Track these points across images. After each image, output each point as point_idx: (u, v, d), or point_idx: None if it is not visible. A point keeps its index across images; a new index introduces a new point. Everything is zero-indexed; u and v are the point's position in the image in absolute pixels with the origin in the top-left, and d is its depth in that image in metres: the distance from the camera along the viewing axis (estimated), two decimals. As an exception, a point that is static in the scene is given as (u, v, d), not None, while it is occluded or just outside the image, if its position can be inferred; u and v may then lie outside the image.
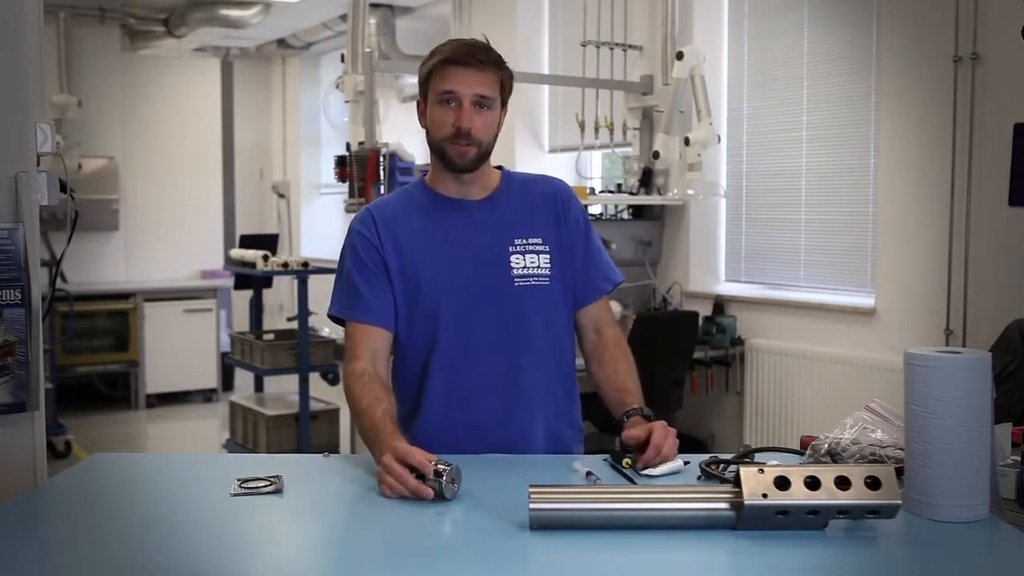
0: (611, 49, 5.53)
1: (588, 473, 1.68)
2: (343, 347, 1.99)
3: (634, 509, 1.44)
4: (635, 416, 1.87)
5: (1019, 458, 1.82)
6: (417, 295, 1.94)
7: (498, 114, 1.94)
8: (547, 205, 2.02)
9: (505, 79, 1.93)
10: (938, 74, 4.07)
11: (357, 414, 1.83)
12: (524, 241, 1.97)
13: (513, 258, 1.96)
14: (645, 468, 1.72)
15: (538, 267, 1.97)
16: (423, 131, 1.98)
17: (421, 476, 1.55)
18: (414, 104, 2.01)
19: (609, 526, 1.42)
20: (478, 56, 1.88)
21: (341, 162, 4.81)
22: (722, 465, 1.70)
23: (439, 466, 1.55)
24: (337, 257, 2.04)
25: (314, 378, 5.11)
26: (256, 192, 9.88)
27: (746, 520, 1.38)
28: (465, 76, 1.87)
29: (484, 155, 1.94)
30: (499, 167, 2.07)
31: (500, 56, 1.93)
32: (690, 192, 4.95)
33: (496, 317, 1.94)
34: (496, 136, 1.96)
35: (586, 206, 5.06)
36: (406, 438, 1.71)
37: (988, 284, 3.96)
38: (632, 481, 1.68)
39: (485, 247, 1.96)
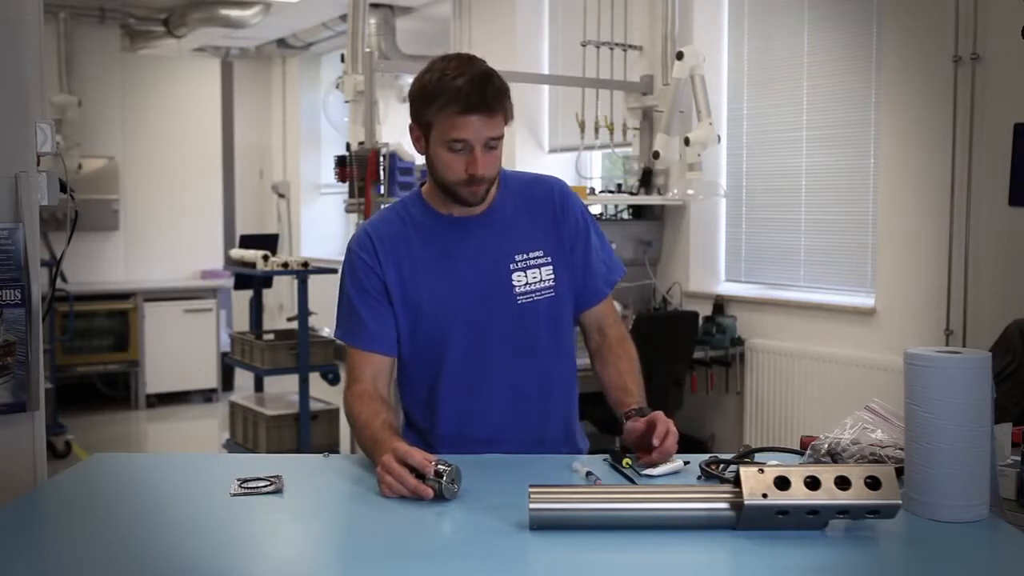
0: (611, 49, 5.53)
1: (588, 473, 1.68)
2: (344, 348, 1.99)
3: (634, 509, 1.43)
4: (634, 417, 1.87)
5: (1019, 458, 1.82)
6: (420, 318, 1.93)
7: (502, 144, 1.89)
8: (545, 209, 2.00)
9: (509, 108, 1.86)
10: (938, 74, 4.07)
11: (357, 428, 1.83)
12: (525, 256, 1.95)
13: (515, 276, 1.94)
14: (647, 467, 1.72)
15: (540, 280, 1.95)
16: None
17: (421, 476, 1.55)
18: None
19: (609, 526, 1.42)
20: (488, 102, 1.79)
21: (341, 162, 4.81)
22: (722, 465, 1.70)
23: (439, 466, 1.55)
24: (336, 258, 2.03)
25: (314, 378, 5.11)
26: (256, 192, 9.89)
27: (746, 520, 1.38)
28: (475, 124, 1.79)
29: (491, 186, 1.92)
30: None
31: (503, 85, 1.84)
32: (690, 192, 4.95)
33: (501, 336, 1.93)
34: (500, 163, 1.92)
35: (586, 206, 5.11)
36: (419, 447, 1.70)
37: (988, 284, 3.96)
38: (632, 481, 1.68)
39: (486, 267, 1.94)
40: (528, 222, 1.98)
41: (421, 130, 1.88)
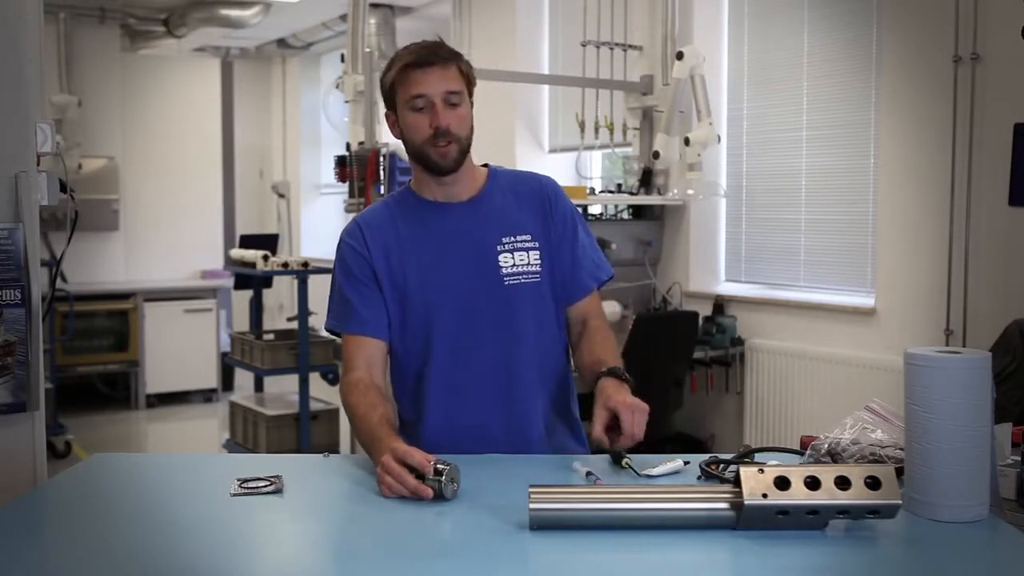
0: (611, 49, 5.53)
1: (588, 473, 1.68)
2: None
3: (634, 509, 1.43)
4: (603, 380, 1.83)
5: (1019, 458, 1.82)
6: (408, 302, 1.94)
7: (469, 108, 1.94)
8: (534, 202, 2.01)
9: (466, 70, 1.93)
10: (938, 74, 4.07)
11: (355, 421, 1.84)
12: (512, 239, 1.96)
13: (502, 257, 1.95)
14: (647, 467, 1.72)
15: (527, 263, 1.96)
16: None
17: (420, 476, 1.55)
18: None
19: (609, 526, 1.42)
20: (439, 54, 1.89)
21: (341, 162, 4.81)
22: (722, 465, 1.70)
23: (438, 466, 1.55)
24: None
25: (314, 378, 5.11)
26: (256, 192, 9.88)
27: (746, 520, 1.38)
28: (430, 76, 1.88)
29: (465, 151, 1.94)
30: (485, 165, 2.06)
31: (457, 52, 1.94)
32: (690, 192, 4.95)
33: (488, 318, 1.94)
34: (472, 130, 1.95)
35: (586, 206, 5.12)
36: (408, 443, 1.70)
37: (988, 284, 3.96)
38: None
39: (473, 249, 1.95)
40: (516, 210, 2.00)
41: (391, 108, 1.96)
